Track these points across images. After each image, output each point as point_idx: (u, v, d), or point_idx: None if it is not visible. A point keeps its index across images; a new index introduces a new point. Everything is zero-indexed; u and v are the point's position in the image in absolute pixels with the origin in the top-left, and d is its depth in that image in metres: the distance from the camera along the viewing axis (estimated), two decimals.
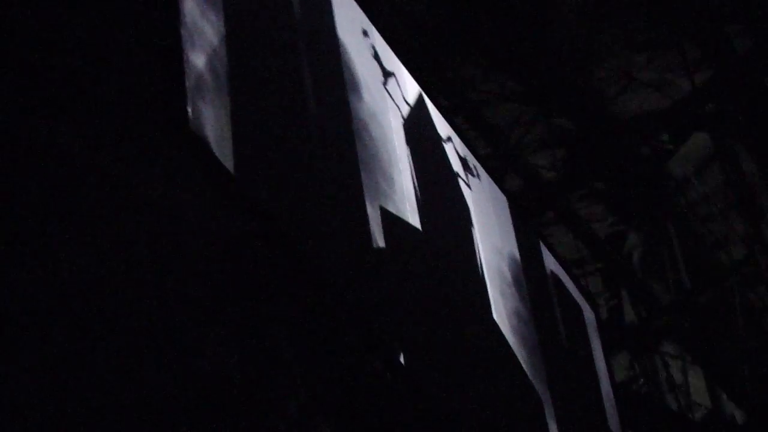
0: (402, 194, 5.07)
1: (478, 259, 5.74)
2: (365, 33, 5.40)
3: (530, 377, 5.76)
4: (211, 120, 3.77)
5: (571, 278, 7.61)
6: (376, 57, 5.43)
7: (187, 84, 3.70)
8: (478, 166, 6.43)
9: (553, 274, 7.18)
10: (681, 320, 8.40)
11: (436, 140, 5.92)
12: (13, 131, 3.17)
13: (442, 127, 6.08)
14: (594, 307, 7.99)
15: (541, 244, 7.23)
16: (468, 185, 6.07)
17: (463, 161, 6.19)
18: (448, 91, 7.53)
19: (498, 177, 7.06)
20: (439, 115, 6.09)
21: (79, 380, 2.97)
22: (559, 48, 7.72)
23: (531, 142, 8.21)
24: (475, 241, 5.80)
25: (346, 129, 4.80)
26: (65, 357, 2.97)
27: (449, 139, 6.11)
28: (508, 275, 6.11)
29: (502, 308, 5.76)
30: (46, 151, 3.24)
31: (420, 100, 5.86)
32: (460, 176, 6.00)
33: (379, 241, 4.65)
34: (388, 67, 5.55)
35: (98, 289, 3.19)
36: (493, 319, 5.57)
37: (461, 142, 6.31)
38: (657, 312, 8.70)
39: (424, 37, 7.26)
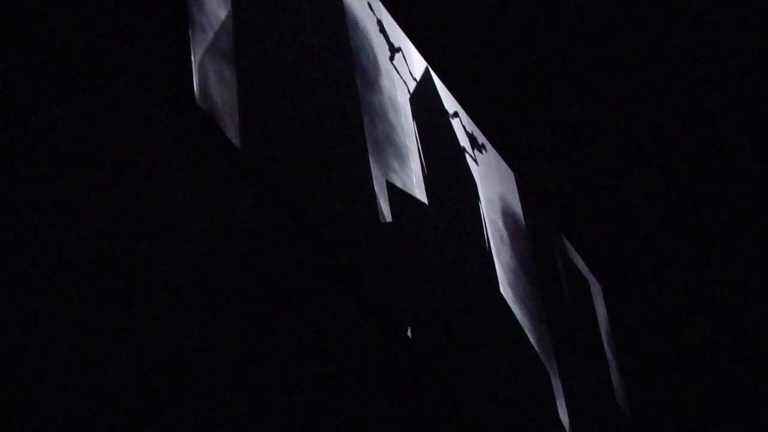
0: (410, 170, 5.09)
1: (485, 234, 5.76)
2: (371, 6, 5.40)
3: (537, 350, 5.79)
4: (219, 96, 3.79)
5: (579, 252, 7.62)
6: (383, 32, 5.43)
7: (193, 59, 3.72)
8: (485, 140, 6.44)
9: (561, 247, 7.19)
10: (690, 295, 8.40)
11: (443, 115, 5.93)
12: (15, 110, 3.18)
13: (450, 103, 6.08)
14: (602, 280, 7.99)
15: (549, 220, 7.24)
16: (475, 160, 6.08)
17: (470, 136, 6.20)
18: (455, 66, 7.51)
19: (506, 151, 7.06)
20: (447, 90, 6.10)
21: (82, 377, 2.98)
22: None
23: (540, 117, 8.18)
24: (482, 216, 5.81)
25: (354, 106, 4.81)
26: (68, 354, 2.98)
27: (456, 114, 6.11)
28: (515, 249, 6.13)
29: (509, 282, 5.77)
30: (49, 130, 3.26)
31: (426, 75, 5.86)
32: (467, 151, 6.01)
33: (387, 216, 4.66)
34: (395, 43, 5.55)
35: (105, 273, 3.21)
36: (500, 293, 5.59)
37: (468, 117, 6.31)
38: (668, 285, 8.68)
39: (431, 13, 7.24)
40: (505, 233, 6.06)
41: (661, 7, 7.05)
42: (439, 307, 4.87)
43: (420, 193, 5.10)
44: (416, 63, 5.79)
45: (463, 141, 6.03)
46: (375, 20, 5.40)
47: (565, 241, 7.32)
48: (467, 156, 5.98)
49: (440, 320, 4.82)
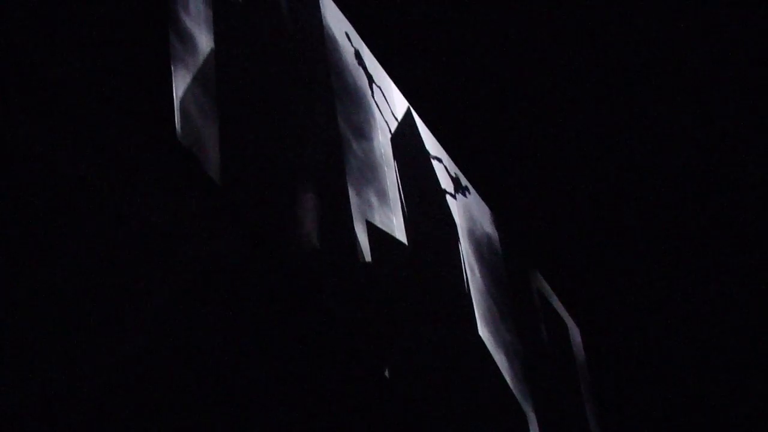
0: (389, 209, 5.08)
1: (465, 275, 5.75)
2: (356, 51, 5.42)
3: (515, 394, 5.77)
4: (200, 130, 3.78)
5: (557, 294, 7.62)
6: (366, 72, 5.45)
7: (175, 97, 3.71)
8: (465, 180, 6.45)
9: (540, 291, 7.19)
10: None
11: (424, 155, 5.94)
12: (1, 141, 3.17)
13: (431, 143, 6.10)
14: (580, 325, 7.98)
15: (528, 261, 7.24)
16: (455, 199, 6.09)
17: (452, 178, 6.21)
18: (436, 106, 7.53)
19: (486, 192, 7.07)
20: (427, 130, 6.11)
21: (69, 388, 2.97)
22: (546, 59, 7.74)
23: (520, 157, 8.21)
24: (461, 256, 5.81)
25: (334, 143, 4.81)
26: (50, 373, 2.97)
27: (437, 154, 6.12)
28: (494, 290, 6.12)
29: (487, 323, 5.76)
30: (33, 162, 3.24)
31: (408, 115, 5.87)
32: (447, 192, 6.01)
33: (367, 255, 4.65)
34: (377, 82, 5.56)
35: (82, 298, 3.19)
36: (479, 335, 5.58)
37: (449, 157, 6.32)
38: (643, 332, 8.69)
39: (414, 53, 7.28)
40: (484, 274, 6.06)
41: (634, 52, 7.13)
42: (417, 347, 4.85)
43: (400, 233, 5.09)
44: (397, 102, 5.80)
45: (445, 182, 6.03)
46: (353, 53, 5.42)
47: (544, 282, 7.33)
48: (448, 197, 5.98)
49: (417, 360, 4.80)
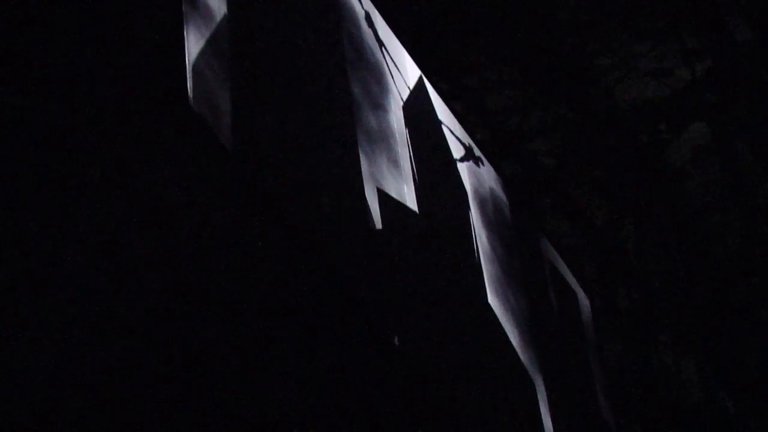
0: (401, 177, 5.10)
1: (474, 243, 5.77)
2: (368, 16, 5.42)
3: (523, 361, 5.80)
4: (212, 100, 3.79)
5: (567, 264, 7.64)
6: (378, 40, 5.45)
7: (187, 62, 3.72)
8: (478, 150, 6.45)
9: (550, 260, 7.21)
10: (675, 309, 8.44)
11: (436, 124, 5.94)
12: (12, 120, 3.18)
13: (442, 112, 6.10)
14: (589, 294, 8.01)
15: (538, 231, 7.26)
16: (467, 169, 6.10)
17: (464, 146, 6.21)
18: (448, 76, 7.55)
19: (496, 162, 7.07)
20: (440, 99, 6.11)
21: (78, 378, 2.98)
22: (559, 36, 7.73)
23: (530, 129, 8.23)
24: (471, 225, 5.82)
25: (347, 110, 4.82)
26: (64, 355, 2.98)
27: (449, 123, 6.13)
28: (504, 259, 6.14)
29: (496, 292, 5.78)
30: (44, 137, 3.26)
31: (420, 84, 5.87)
32: (458, 160, 6.02)
33: (378, 223, 4.67)
34: (390, 51, 5.56)
35: (99, 281, 3.20)
36: (488, 303, 5.60)
37: (461, 126, 6.33)
38: (651, 300, 8.73)
39: (426, 22, 7.27)
40: (493, 241, 6.07)
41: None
42: (426, 315, 4.87)
43: (411, 201, 5.10)
44: (410, 72, 5.80)
45: (456, 152, 6.04)
46: (365, 16, 5.41)
47: (554, 251, 7.34)
48: (459, 166, 5.99)
49: (428, 329, 4.82)
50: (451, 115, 6.24)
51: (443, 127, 6.00)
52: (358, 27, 5.25)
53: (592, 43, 7.83)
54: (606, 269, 8.93)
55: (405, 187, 5.12)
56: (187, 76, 3.69)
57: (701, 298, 8.50)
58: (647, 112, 8.27)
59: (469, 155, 6.23)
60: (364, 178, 4.70)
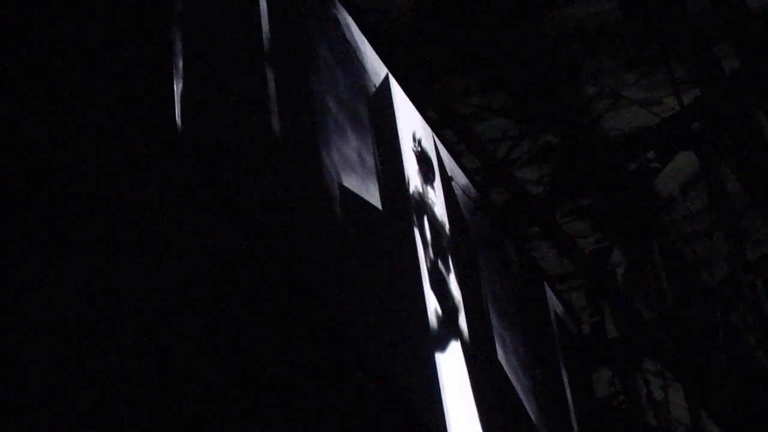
0: (367, 173, 5.07)
1: (417, 251, 5.61)
2: (335, 16, 5.40)
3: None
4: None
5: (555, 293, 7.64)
6: (342, 31, 5.42)
7: (176, 88, 3.73)
8: (435, 158, 6.36)
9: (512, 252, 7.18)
10: (663, 337, 8.43)
11: (394, 123, 5.83)
12: (4, 138, 3.18)
13: (406, 111, 6.00)
14: (577, 322, 8.00)
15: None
16: (417, 169, 5.99)
17: (419, 149, 6.11)
18: (437, 103, 7.56)
19: (485, 190, 7.06)
20: (405, 96, 6.02)
21: (68, 385, 2.98)
22: (548, 64, 7.77)
23: (518, 157, 8.25)
24: (415, 237, 5.68)
25: (313, 107, 4.80)
26: (47, 365, 2.98)
27: (411, 123, 6.03)
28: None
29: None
30: (36, 158, 3.26)
31: (386, 81, 5.81)
32: (412, 161, 5.90)
33: (340, 219, 4.64)
34: (357, 44, 5.54)
35: (86, 295, 3.21)
36: (424, 292, 5.47)
37: (426, 124, 6.24)
38: (639, 328, 8.73)
39: (413, 47, 7.30)
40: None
41: None
42: (386, 312, 4.82)
43: (374, 198, 5.02)
44: (377, 67, 5.75)
45: (412, 152, 5.93)
46: (333, 21, 5.40)
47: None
48: (409, 168, 5.83)
49: (388, 326, 4.75)
50: (418, 114, 6.15)
51: (401, 127, 5.88)
52: (327, 22, 5.24)
53: (580, 72, 7.86)
54: (594, 297, 8.94)
55: (371, 184, 5.08)
56: (176, 103, 3.69)
57: (689, 326, 8.50)
58: (636, 141, 8.30)
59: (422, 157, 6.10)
60: (326, 173, 4.68)
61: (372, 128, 5.39)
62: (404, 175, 5.64)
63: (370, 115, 5.42)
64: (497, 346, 5.98)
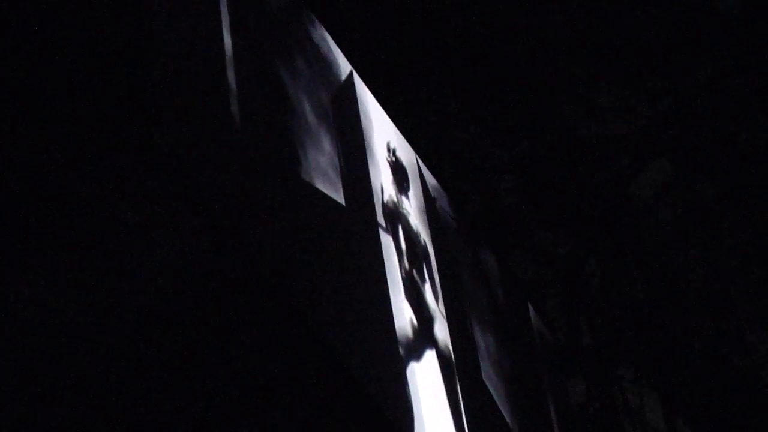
0: (334, 172, 5.06)
1: (381, 252, 5.58)
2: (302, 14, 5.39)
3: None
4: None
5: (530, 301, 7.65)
6: (307, 30, 5.41)
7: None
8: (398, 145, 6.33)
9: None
10: (638, 344, 8.46)
11: (358, 121, 5.80)
12: None
13: (371, 107, 5.98)
14: (552, 330, 8.01)
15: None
16: (381, 169, 5.98)
17: (387, 146, 6.09)
18: (411, 112, 7.57)
19: (459, 198, 7.06)
20: (369, 93, 6.01)
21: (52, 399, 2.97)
22: (522, 72, 7.79)
23: (492, 165, 8.26)
24: (380, 238, 5.64)
25: (283, 104, 4.80)
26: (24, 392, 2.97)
27: (375, 121, 6.01)
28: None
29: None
30: (13, 171, 3.25)
31: (349, 77, 5.80)
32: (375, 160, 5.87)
33: (308, 219, 4.63)
34: (319, 39, 5.53)
35: (62, 311, 3.19)
36: (390, 299, 5.47)
37: (391, 122, 6.22)
38: (615, 337, 8.75)
39: (389, 58, 7.30)
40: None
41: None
42: (359, 313, 4.81)
43: (339, 197, 5.02)
44: (341, 64, 5.73)
45: (376, 149, 5.92)
46: (301, 23, 5.40)
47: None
48: (372, 167, 5.83)
49: (364, 333, 4.74)
50: (382, 111, 6.12)
51: (364, 126, 5.86)
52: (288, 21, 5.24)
53: (554, 80, 7.88)
54: (569, 305, 8.95)
55: (339, 183, 5.07)
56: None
57: (665, 334, 8.52)
58: (610, 149, 8.33)
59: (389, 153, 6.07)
60: (301, 173, 4.68)
61: (336, 126, 5.38)
62: (368, 173, 5.63)
63: (334, 112, 5.41)
64: (478, 355, 5.98)
